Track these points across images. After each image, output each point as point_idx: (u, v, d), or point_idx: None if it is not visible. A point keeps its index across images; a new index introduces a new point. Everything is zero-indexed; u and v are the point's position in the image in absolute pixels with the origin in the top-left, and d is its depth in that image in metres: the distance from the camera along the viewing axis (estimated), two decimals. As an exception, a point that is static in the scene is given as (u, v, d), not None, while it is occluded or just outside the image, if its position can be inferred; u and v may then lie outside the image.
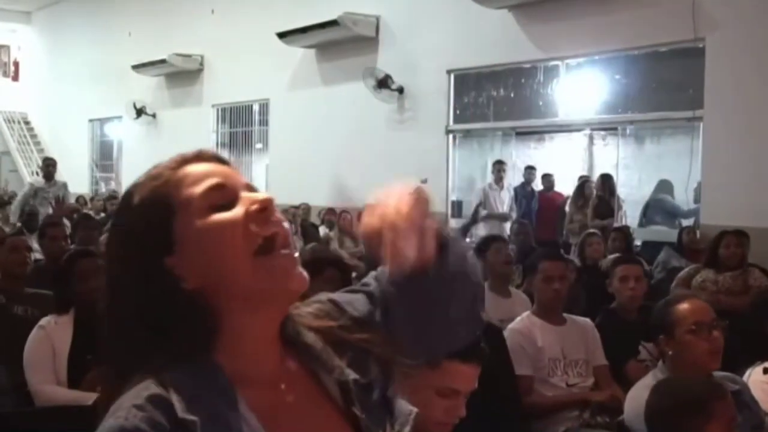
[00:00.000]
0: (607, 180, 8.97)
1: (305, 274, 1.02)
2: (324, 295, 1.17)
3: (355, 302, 1.16)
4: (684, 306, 2.84)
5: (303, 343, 1.08)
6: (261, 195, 1.02)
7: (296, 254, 1.02)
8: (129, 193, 1.05)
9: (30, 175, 15.22)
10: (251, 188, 1.05)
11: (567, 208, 9.41)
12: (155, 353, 0.99)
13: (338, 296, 1.18)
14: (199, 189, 1.01)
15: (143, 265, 1.00)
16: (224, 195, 1.01)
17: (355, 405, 1.06)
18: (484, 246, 5.04)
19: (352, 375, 1.08)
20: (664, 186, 9.03)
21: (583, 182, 9.32)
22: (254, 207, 1.00)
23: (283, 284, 1.01)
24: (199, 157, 1.07)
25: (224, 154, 14.45)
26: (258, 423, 0.97)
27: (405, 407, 1.12)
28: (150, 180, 1.04)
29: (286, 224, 1.03)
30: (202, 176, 1.03)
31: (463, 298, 1.15)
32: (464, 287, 1.15)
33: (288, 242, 1.02)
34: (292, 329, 1.08)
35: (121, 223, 1.05)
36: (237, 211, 1.00)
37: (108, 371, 1.03)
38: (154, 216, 1.01)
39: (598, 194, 8.80)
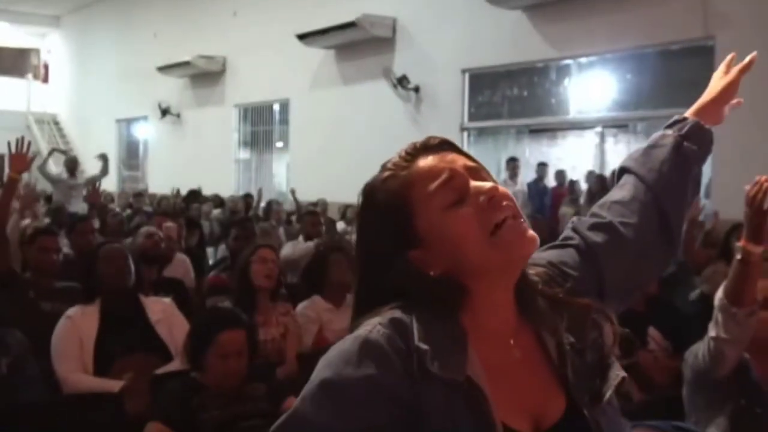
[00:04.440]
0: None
1: (533, 234, 1.08)
2: (544, 258, 1.25)
3: (567, 258, 1.26)
4: None
5: (535, 306, 1.15)
6: (486, 185, 1.09)
7: (522, 219, 1.09)
8: (369, 192, 1.15)
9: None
10: (474, 171, 1.11)
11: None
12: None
13: (552, 256, 1.26)
14: (432, 187, 1.08)
15: (391, 260, 1.10)
16: (455, 187, 1.08)
17: (567, 367, 1.11)
18: None
19: (570, 339, 1.13)
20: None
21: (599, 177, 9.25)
22: (483, 199, 1.07)
23: (518, 252, 1.08)
24: (427, 147, 1.15)
25: (245, 152, 14.49)
26: (481, 368, 1.04)
27: (615, 372, 1.13)
28: (387, 180, 1.12)
29: (505, 189, 1.10)
30: (432, 173, 1.10)
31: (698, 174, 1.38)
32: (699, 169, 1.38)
33: (515, 212, 1.08)
34: (527, 293, 1.15)
35: (368, 222, 1.15)
36: (470, 209, 1.07)
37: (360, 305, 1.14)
38: (396, 217, 1.10)
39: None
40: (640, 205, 1.31)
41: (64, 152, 11.72)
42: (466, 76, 10.40)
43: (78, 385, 3.32)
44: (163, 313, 3.66)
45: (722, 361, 2.62)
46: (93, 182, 10.14)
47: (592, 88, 9.44)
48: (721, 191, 7.54)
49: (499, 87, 10.49)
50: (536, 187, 10.41)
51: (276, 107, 13.98)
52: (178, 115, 15.88)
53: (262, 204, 9.88)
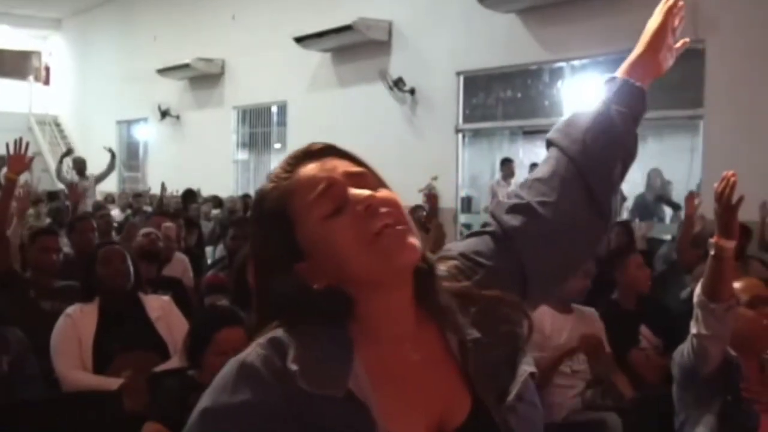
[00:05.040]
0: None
1: (414, 242, 1.02)
2: (457, 249, 1.18)
3: (481, 247, 1.18)
4: None
5: (437, 303, 1.08)
6: (363, 193, 1.02)
7: (401, 227, 1.02)
8: (256, 203, 1.10)
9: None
10: (357, 177, 1.06)
11: None
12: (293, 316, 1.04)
13: (465, 246, 1.19)
14: (310, 197, 1.03)
15: (276, 271, 1.05)
16: (333, 196, 1.02)
17: (468, 365, 1.05)
18: None
19: (474, 334, 1.06)
20: (649, 181, 9.08)
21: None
22: (360, 208, 1.01)
23: (397, 262, 1.01)
24: (308, 154, 1.09)
25: (244, 153, 14.42)
26: (366, 378, 0.99)
27: (524, 368, 1.08)
28: (271, 191, 1.07)
29: (386, 195, 1.04)
30: (311, 182, 1.04)
31: (627, 140, 1.26)
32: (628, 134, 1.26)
33: (396, 219, 1.02)
34: (428, 290, 1.08)
35: (255, 235, 1.10)
36: (347, 219, 1.01)
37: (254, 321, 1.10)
38: (279, 230, 1.04)
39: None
40: (562, 182, 1.20)
41: (70, 152, 11.71)
42: (461, 78, 10.39)
43: (77, 382, 3.32)
44: (162, 310, 3.66)
45: (706, 357, 2.63)
46: (102, 179, 10.19)
47: (585, 90, 9.42)
48: (710, 193, 7.53)
49: (493, 89, 10.49)
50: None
51: (274, 109, 13.95)
52: (178, 117, 15.85)
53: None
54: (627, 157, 1.26)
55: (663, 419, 2.96)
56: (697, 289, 2.64)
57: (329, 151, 1.10)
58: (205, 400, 1.00)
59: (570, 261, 1.25)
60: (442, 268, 1.12)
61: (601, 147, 1.23)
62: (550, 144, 1.27)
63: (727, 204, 2.59)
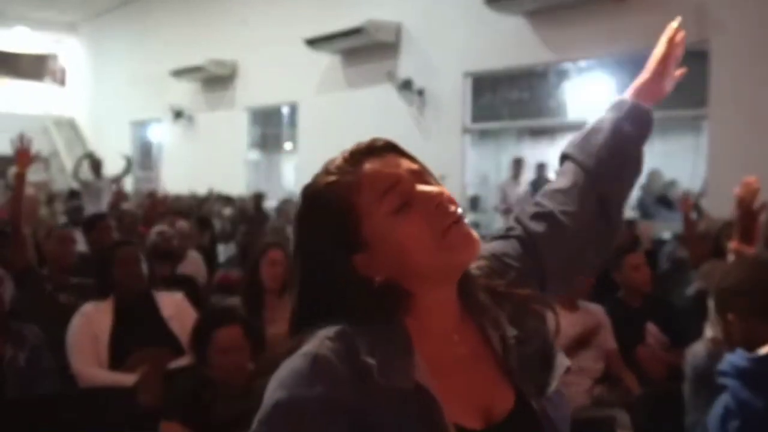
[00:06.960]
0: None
1: (477, 236, 1.06)
2: (487, 250, 1.22)
3: (509, 249, 1.25)
4: None
5: (477, 300, 1.13)
6: (434, 190, 1.07)
7: (466, 221, 1.07)
8: (312, 196, 1.10)
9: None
10: (418, 174, 1.09)
11: None
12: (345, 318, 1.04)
13: (495, 247, 1.25)
14: (379, 192, 1.06)
15: (334, 264, 1.07)
16: (401, 192, 1.06)
17: (512, 360, 1.09)
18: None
19: (513, 331, 1.11)
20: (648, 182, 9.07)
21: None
22: (431, 205, 1.05)
23: (465, 256, 1.07)
24: (371, 150, 1.12)
25: (255, 153, 14.44)
26: (428, 372, 1.01)
27: (561, 361, 1.13)
28: (333, 184, 1.08)
29: (449, 193, 1.08)
30: (379, 178, 1.07)
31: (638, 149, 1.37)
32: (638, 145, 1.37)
33: (460, 215, 1.06)
34: (468, 287, 1.12)
35: (312, 228, 1.10)
36: (418, 214, 1.04)
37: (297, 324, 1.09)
38: (343, 223, 1.06)
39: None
40: (580, 193, 1.30)
41: (91, 156, 11.81)
42: (469, 79, 10.36)
43: (93, 378, 3.31)
44: (175, 307, 3.65)
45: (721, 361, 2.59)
46: (117, 181, 10.27)
47: (591, 90, 9.39)
48: (715, 191, 7.49)
49: (500, 90, 10.45)
50: (536, 187, 10.41)
51: (285, 110, 13.95)
52: (191, 118, 15.86)
53: (273, 204, 9.89)
54: (636, 173, 1.37)
55: (671, 416, 2.93)
56: None
57: (390, 148, 1.13)
58: (277, 393, 0.97)
59: (582, 265, 1.35)
60: (473, 265, 1.15)
61: (615, 163, 1.33)
62: (565, 157, 1.37)
63: (748, 209, 2.54)
